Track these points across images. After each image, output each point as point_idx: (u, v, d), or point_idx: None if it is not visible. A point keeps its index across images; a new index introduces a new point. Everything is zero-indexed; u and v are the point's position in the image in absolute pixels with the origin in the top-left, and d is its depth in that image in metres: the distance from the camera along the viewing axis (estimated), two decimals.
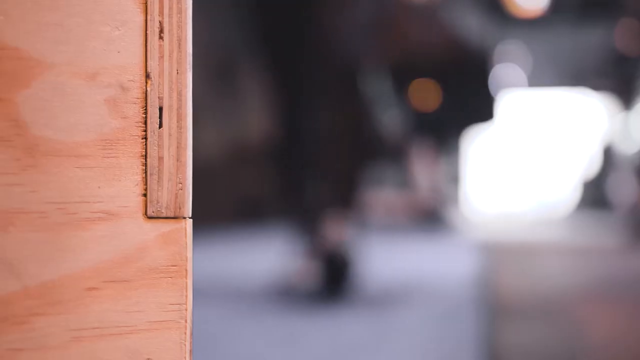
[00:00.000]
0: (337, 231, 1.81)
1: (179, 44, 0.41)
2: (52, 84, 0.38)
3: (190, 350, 0.40)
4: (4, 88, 0.37)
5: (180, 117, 0.41)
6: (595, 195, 9.29)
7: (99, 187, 0.39)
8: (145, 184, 0.40)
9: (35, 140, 0.38)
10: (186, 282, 0.40)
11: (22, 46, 0.38)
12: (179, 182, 0.40)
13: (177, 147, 0.40)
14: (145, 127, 0.40)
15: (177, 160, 0.40)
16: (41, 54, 0.38)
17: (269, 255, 2.80)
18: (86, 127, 0.39)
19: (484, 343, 1.30)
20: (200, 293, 1.80)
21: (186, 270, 0.40)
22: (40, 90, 0.38)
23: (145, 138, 0.40)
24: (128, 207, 0.39)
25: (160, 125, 0.40)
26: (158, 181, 0.40)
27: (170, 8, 0.40)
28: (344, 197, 1.92)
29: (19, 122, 0.37)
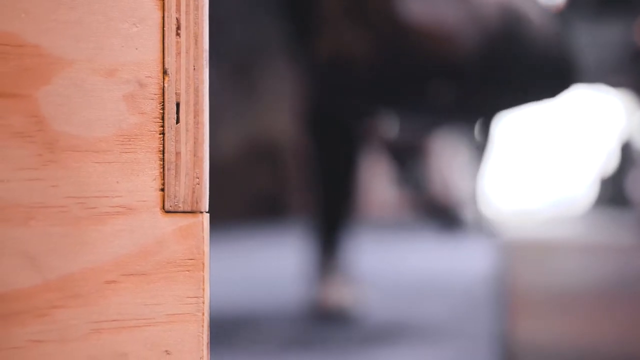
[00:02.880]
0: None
1: (196, 41, 0.41)
2: (72, 81, 0.39)
3: (208, 343, 0.41)
4: (24, 84, 0.38)
5: (197, 113, 0.41)
6: (613, 192, 9.24)
7: (117, 181, 0.40)
8: (163, 178, 0.41)
9: (55, 135, 0.38)
10: (203, 275, 0.41)
11: (42, 43, 0.38)
12: (196, 177, 0.41)
13: (194, 143, 0.41)
14: (163, 122, 0.41)
15: (194, 156, 0.41)
16: (61, 50, 0.39)
17: (282, 255, 2.81)
18: (105, 123, 0.40)
19: (500, 340, 1.31)
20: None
21: (203, 263, 0.41)
22: (60, 86, 0.39)
23: (163, 133, 0.41)
24: (146, 202, 0.40)
25: (178, 121, 0.41)
26: (175, 176, 0.41)
27: (187, 5, 0.41)
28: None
29: (39, 118, 0.38)
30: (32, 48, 0.38)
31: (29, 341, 0.38)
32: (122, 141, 0.40)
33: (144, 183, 0.40)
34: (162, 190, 0.40)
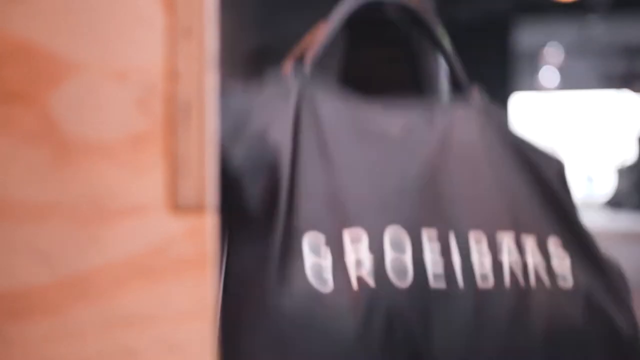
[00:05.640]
0: None
1: (205, 44, 0.40)
2: (83, 84, 0.38)
3: (215, 339, 0.40)
4: (36, 88, 0.37)
5: (205, 115, 0.40)
6: (633, 182, 9.10)
7: (127, 182, 0.39)
8: (172, 178, 0.40)
9: (66, 137, 0.38)
10: (211, 273, 0.40)
11: (54, 47, 0.38)
12: (205, 177, 0.40)
13: (203, 144, 0.40)
14: (172, 124, 0.40)
15: (203, 157, 0.40)
16: (72, 55, 0.38)
17: None
18: (115, 125, 0.39)
19: None
20: None
21: (211, 261, 0.40)
22: (71, 89, 0.38)
23: (172, 135, 0.40)
24: (155, 201, 0.39)
25: (186, 123, 0.40)
26: (184, 176, 0.40)
27: (196, 10, 0.40)
28: None
29: (51, 120, 0.37)
30: (44, 52, 0.37)
31: (41, 336, 0.37)
32: (132, 143, 0.39)
33: (154, 183, 0.39)
34: (171, 190, 0.40)
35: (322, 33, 0.75)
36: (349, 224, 0.62)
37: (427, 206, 0.67)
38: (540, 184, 0.76)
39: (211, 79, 0.40)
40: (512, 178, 0.74)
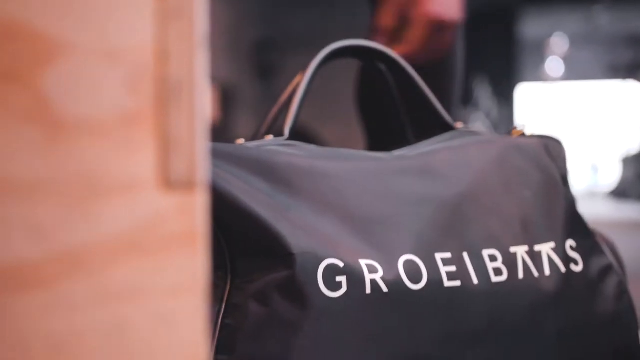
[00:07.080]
0: None
1: (195, 24, 0.41)
2: (73, 63, 0.38)
3: (207, 315, 0.40)
4: (26, 67, 0.38)
5: (196, 95, 0.41)
6: (638, 172, 9.08)
7: (119, 159, 0.39)
8: (164, 156, 0.40)
9: (57, 117, 0.38)
10: (203, 249, 0.40)
11: (43, 26, 0.38)
12: (195, 154, 0.40)
13: (194, 121, 0.40)
14: (163, 103, 0.40)
15: (194, 134, 0.41)
16: (62, 34, 0.38)
17: None
18: (107, 104, 0.39)
19: None
20: None
21: (203, 237, 0.40)
22: (61, 69, 0.38)
23: (163, 113, 0.40)
24: (146, 179, 0.40)
25: (178, 101, 0.40)
26: (175, 153, 0.40)
27: None
28: None
29: (41, 100, 0.38)
30: (34, 31, 0.38)
31: (34, 310, 0.38)
32: (124, 121, 0.39)
33: (145, 160, 0.40)
34: (163, 167, 0.40)
35: (299, 88, 0.77)
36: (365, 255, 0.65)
37: (443, 232, 0.70)
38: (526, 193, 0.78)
39: (202, 59, 0.41)
40: (517, 194, 0.76)
